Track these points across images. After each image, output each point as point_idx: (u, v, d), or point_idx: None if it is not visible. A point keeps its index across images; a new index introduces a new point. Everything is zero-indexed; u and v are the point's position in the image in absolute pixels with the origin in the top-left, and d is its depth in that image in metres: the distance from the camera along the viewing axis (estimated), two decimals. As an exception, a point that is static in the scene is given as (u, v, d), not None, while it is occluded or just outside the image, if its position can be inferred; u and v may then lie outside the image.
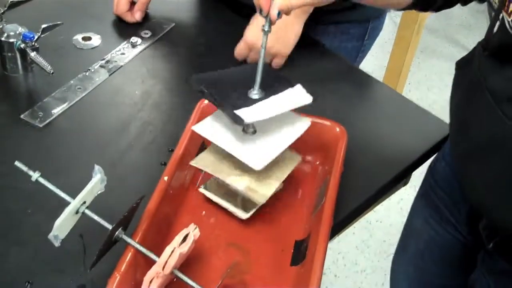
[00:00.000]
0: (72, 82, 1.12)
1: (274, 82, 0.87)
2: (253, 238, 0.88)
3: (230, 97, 0.83)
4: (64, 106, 1.07)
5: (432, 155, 1.08)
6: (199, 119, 0.93)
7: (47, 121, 1.04)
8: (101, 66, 1.16)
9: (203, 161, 0.88)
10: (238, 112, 0.80)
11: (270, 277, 0.83)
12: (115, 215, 0.88)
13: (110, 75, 1.14)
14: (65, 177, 0.94)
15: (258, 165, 0.83)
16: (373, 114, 1.13)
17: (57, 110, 1.06)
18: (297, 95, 0.87)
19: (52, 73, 1.07)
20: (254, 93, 0.84)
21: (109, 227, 0.76)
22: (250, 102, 0.83)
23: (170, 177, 0.86)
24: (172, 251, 0.72)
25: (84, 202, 0.76)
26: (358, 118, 1.10)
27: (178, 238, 0.74)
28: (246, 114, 0.80)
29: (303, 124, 0.90)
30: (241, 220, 0.89)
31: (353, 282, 1.89)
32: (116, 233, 0.76)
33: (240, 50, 1.14)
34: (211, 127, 0.86)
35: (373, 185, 0.98)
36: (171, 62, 1.22)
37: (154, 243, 0.81)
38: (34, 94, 1.10)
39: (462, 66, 0.94)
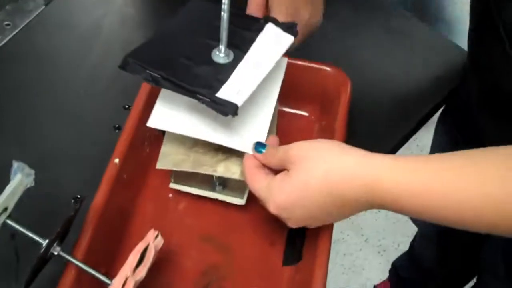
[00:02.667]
0: (-3, 16, 0.88)
1: (238, 28, 0.64)
2: (234, 229, 0.69)
3: (194, 74, 0.59)
4: (-12, 50, 0.84)
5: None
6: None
7: (-33, 71, 0.82)
8: (36, -8, 0.92)
9: (172, 158, 0.66)
10: (222, 96, 0.57)
11: (256, 282, 0.65)
12: (55, 203, 0.70)
13: (46, 4, 0.91)
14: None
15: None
16: (383, 50, 0.90)
17: (-20, 54, 0.84)
18: (274, 39, 0.64)
19: (-31, 7, 0.83)
20: (221, 56, 0.61)
21: (42, 242, 0.57)
22: (223, 72, 0.60)
23: (123, 158, 0.66)
24: (125, 281, 0.54)
25: (5, 209, 0.57)
26: (364, 55, 0.88)
27: (133, 258, 0.56)
28: (232, 95, 0.58)
29: (280, 61, 0.68)
30: (217, 206, 0.70)
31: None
32: (51, 250, 0.57)
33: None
34: (169, 114, 0.63)
35: (383, 145, 0.79)
36: (126, -18, 0.97)
37: (105, 250, 0.63)
38: None
39: None
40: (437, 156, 0.52)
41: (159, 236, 0.59)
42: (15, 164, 0.57)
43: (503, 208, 0.47)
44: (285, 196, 0.57)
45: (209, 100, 0.57)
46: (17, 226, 0.57)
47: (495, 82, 0.68)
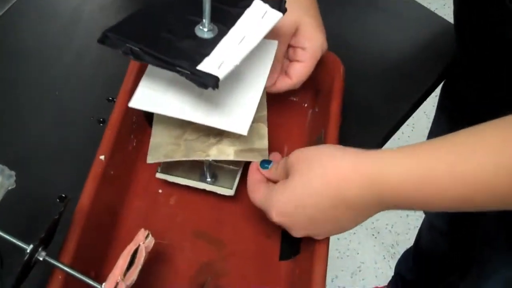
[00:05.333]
0: (-29, 7, 0.84)
1: (224, 5, 0.61)
2: (228, 223, 0.67)
3: (176, 47, 0.56)
4: (-37, 43, 0.80)
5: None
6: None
7: None
8: (11, -20, 0.87)
9: (162, 150, 0.63)
10: (203, 68, 0.55)
11: (252, 278, 0.63)
12: (40, 204, 0.67)
13: (23, -7, 0.86)
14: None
15: (243, 128, 0.60)
16: (371, 29, 0.87)
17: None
18: (261, 14, 0.61)
19: None
20: (205, 30, 0.58)
21: (26, 247, 0.53)
22: (206, 46, 0.57)
23: (108, 154, 0.63)
24: (116, 286, 0.51)
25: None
26: (354, 35, 0.85)
27: (123, 261, 0.53)
28: (214, 68, 0.55)
29: (270, 45, 0.66)
30: (209, 198, 0.67)
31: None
32: (35, 255, 0.54)
33: None
34: (153, 95, 0.61)
35: (379, 130, 0.76)
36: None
37: (93, 252, 0.60)
38: None
39: None
40: (431, 140, 0.51)
41: (150, 236, 0.56)
42: (-2, 167, 0.53)
43: None
44: (285, 199, 0.55)
45: (189, 72, 0.54)
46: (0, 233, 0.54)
47: (489, 35, 0.65)
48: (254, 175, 0.61)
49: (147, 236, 0.56)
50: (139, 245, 0.55)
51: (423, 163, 0.49)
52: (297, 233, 0.57)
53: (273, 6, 0.62)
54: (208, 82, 0.53)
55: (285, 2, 0.62)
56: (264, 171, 0.61)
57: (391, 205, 0.52)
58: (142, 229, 0.56)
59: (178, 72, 0.55)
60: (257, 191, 0.59)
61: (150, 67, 0.63)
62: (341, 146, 0.55)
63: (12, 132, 0.73)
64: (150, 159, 0.63)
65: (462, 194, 0.48)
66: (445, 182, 0.48)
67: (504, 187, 0.46)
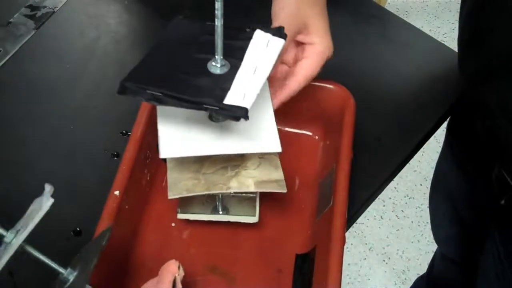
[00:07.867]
0: (-13, 42, 0.86)
1: (227, 40, 0.62)
2: (240, 256, 0.67)
3: (195, 86, 0.58)
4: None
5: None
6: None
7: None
8: (26, 16, 0.89)
9: (183, 185, 0.64)
10: (229, 102, 0.56)
11: (266, 313, 0.63)
12: (54, 237, 0.68)
13: (38, 27, 0.88)
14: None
15: (276, 146, 0.62)
16: (381, 60, 0.88)
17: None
18: (265, 44, 0.63)
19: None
20: (218, 66, 0.60)
21: (63, 271, 0.54)
22: (225, 80, 0.59)
23: (123, 189, 0.63)
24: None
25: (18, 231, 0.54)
26: (364, 67, 0.86)
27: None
28: (239, 100, 0.57)
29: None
30: (221, 232, 0.68)
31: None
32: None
33: None
34: (177, 140, 0.62)
35: (390, 162, 0.76)
36: (117, 3, 0.95)
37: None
38: None
39: None
40: None
41: (181, 268, 0.57)
42: (48, 188, 0.54)
43: None
44: None
45: (217, 108, 0.56)
46: (39, 255, 0.54)
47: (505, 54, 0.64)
48: None
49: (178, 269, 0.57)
50: (175, 277, 0.56)
51: None
52: None
53: (274, 34, 0.63)
54: (240, 114, 0.55)
55: (283, 28, 0.64)
56: None
57: None
58: (173, 260, 0.57)
59: (205, 109, 0.56)
60: None
61: (160, 115, 0.63)
62: None
63: (25, 166, 0.74)
64: (171, 195, 0.63)
65: None
66: None
67: None
